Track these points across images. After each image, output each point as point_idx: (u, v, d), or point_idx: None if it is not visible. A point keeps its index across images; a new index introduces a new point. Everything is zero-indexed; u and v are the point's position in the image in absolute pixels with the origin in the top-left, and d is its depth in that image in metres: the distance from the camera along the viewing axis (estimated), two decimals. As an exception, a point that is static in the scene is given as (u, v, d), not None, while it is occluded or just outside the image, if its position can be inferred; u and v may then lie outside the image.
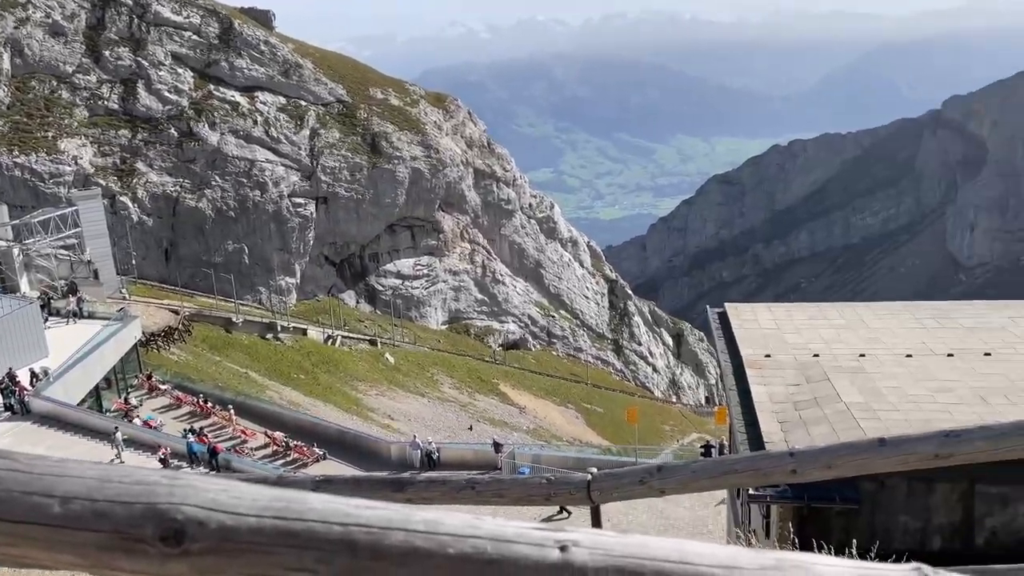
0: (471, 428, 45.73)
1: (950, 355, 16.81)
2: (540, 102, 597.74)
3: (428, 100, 79.56)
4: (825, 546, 7.49)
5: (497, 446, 32.35)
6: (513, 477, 2.97)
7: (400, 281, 71.23)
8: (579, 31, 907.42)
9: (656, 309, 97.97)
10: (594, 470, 2.78)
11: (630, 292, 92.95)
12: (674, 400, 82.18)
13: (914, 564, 1.09)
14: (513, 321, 77.13)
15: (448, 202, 74.64)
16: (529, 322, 78.31)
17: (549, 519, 23.07)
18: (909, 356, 16.85)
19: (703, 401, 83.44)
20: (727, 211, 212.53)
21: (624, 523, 22.27)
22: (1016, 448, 2.15)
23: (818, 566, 1.01)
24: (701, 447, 37.54)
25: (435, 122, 76.17)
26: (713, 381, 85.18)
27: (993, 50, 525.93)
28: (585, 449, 41.68)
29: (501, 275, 77.66)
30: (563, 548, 0.97)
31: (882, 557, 8.20)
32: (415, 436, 34.69)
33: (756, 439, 13.40)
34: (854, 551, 7.53)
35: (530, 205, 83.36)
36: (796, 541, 10.67)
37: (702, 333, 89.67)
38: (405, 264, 71.87)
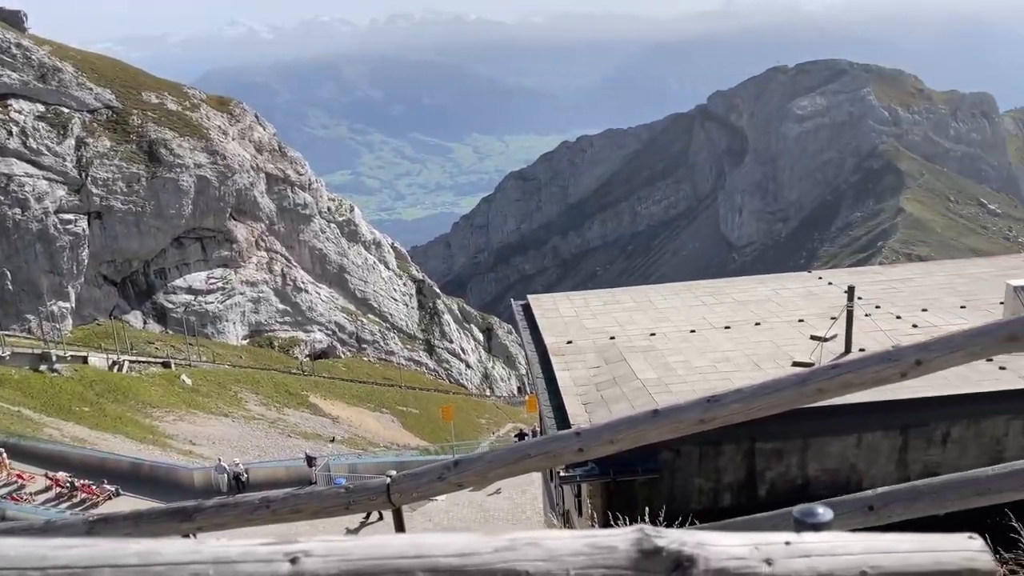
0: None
1: (727, 327, 18.42)
2: (332, 103, 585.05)
3: (210, 104, 75.22)
4: (622, 517, 7.93)
5: (310, 460, 31.33)
6: (309, 490, 2.85)
7: (192, 297, 66.91)
8: (366, 32, 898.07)
9: (465, 306, 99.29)
10: (393, 472, 2.74)
11: (438, 291, 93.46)
12: (488, 393, 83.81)
13: (637, 526, 1.13)
14: (320, 329, 74.98)
15: (240, 210, 71.07)
16: (337, 329, 76.48)
17: (362, 526, 22.69)
18: (693, 331, 18.27)
19: (516, 391, 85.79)
20: (525, 206, 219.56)
21: (446, 520, 22.41)
22: (763, 407, 2.38)
23: (548, 541, 1.05)
24: (515, 435, 38.59)
25: (219, 127, 72.18)
26: (524, 371, 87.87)
27: (746, 48, 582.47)
28: (404, 452, 41.43)
29: (303, 283, 75.19)
30: (294, 560, 0.95)
31: (682, 517, 8.83)
32: (220, 459, 32.77)
33: (563, 422, 13.95)
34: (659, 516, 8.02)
35: (329, 209, 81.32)
36: (607, 515, 11.22)
37: (510, 326, 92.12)
38: (197, 278, 67.58)
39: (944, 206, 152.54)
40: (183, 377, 51.98)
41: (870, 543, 1.13)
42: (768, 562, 1.09)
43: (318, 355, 72.23)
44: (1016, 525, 3.82)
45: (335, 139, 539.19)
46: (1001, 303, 17.05)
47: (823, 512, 1.51)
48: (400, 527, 2.88)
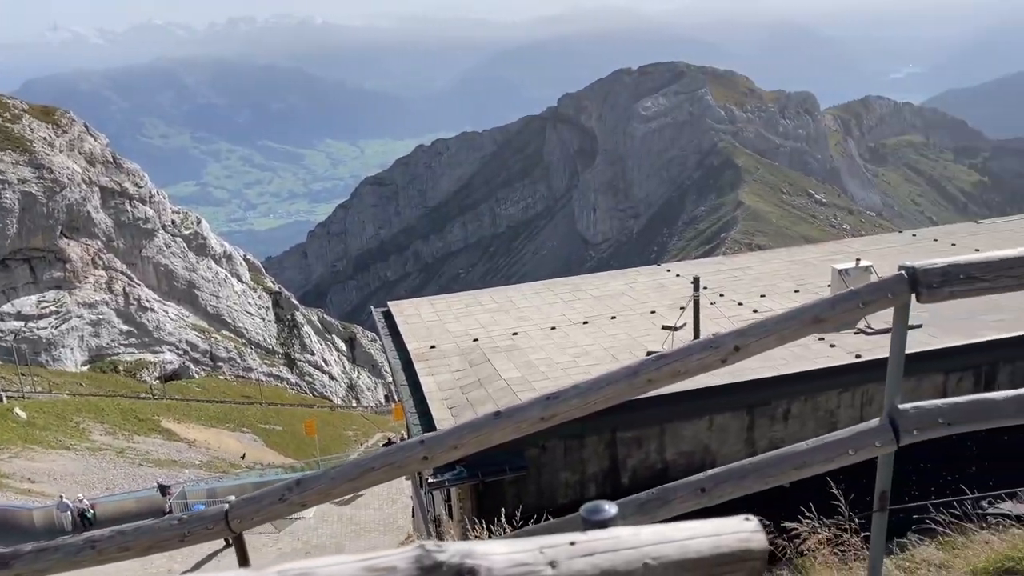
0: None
1: (585, 323, 18.94)
2: (171, 111, 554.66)
3: (33, 114, 69.44)
4: (492, 518, 7.96)
5: (163, 489, 29.57)
6: (139, 525, 2.66)
7: (22, 323, 61.56)
8: (205, 36, 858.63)
9: (326, 316, 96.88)
10: (232, 498, 2.60)
11: (296, 302, 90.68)
12: (355, 404, 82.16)
13: (416, 543, 1.13)
14: (170, 350, 70.91)
15: (72, 227, 66.06)
16: (189, 348, 72.60)
17: (211, 556, 21.61)
18: (553, 328, 18.65)
19: (383, 400, 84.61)
20: (383, 211, 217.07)
21: (314, 538, 21.75)
22: (599, 400, 2.45)
23: (321, 570, 1.02)
24: (383, 444, 38.08)
25: (45, 139, 66.78)
26: (390, 379, 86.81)
27: (592, 51, 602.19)
28: (267, 471, 39.91)
29: (148, 301, 70.86)
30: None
31: (551, 513, 8.98)
32: (62, 496, 30.34)
33: (429, 427, 13.87)
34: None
35: (173, 222, 77.04)
36: (478, 517, 11.24)
37: (374, 334, 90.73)
38: (26, 303, 62.23)
39: (778, 198, 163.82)
40: (16, 410, 47.74)
41: (651, 535, 1.14)
42: (552, 564, 1.09)
43: (169, 377, 68.31)
44: (837, 492, 4.15)
45: (177, 149, 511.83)
46: (828, 286, 18.42)
47: (608, 508, 1.54)
48: (242, 555, 2.73)
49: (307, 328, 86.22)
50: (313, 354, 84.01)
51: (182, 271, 75.31)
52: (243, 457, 42.96)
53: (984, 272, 2.24)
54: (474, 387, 15.46)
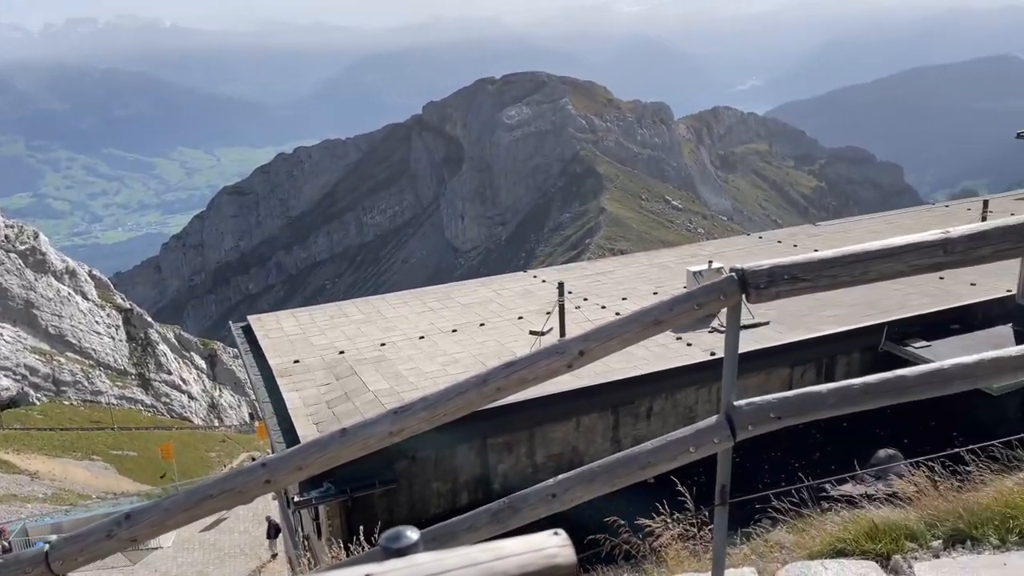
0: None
1: (454, 331, 18.94)
2: (3, 118, 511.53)
3: None
4: (363, 533, 7.80)
5: None
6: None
7: None
8: (40, 38, 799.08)
9: (183, 333, 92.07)
10: (53, 538, 2.39)
11: (150, 319, 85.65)
12: (217, 424, 78.53)
13: None
14: (6, 375, 65.14)
15: None
16: (28, 373, 66.97)
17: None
18: (422, 338, 18.53)
19: (248, 418, 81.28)
20: (243, 222, 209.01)
21: (173, 568, 20.55)
22: (448, 411, 2.43)
23: None
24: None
25: None
26: (253, 397, 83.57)
27: (455, 59, 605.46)
28: (121, 501, 37.39)
29: (-20, 324, 64.95)
30: None
31: (421, 524, 8.89)
32: None
33: (294, 445, 13.44)
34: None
35: (7, 237, 70.94)
36: (349, 534, 10.97)
37: (236, 350, 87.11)
38: None
39: (638, 204, 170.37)
40: None
41: (456, 560, 1.11)
42: None
43: (5, 405, 62.76)
44: (683, 489, 4.34)
45: (10, 157, 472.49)
46: (684, 287, 19.31)
47: (409, 535, 1.48)
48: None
49: (163, 346, 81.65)
50: (170, 373, 79.63)
51: (18, 290, 69.49)
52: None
53: (806, 272, 2.39)
54: (341, 401, 15.11)
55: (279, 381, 16.33)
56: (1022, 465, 4.59)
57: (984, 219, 23.78)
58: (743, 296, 2.45)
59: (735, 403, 2.56)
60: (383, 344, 18.17)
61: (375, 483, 13.07)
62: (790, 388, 3.07)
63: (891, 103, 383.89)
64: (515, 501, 2.52)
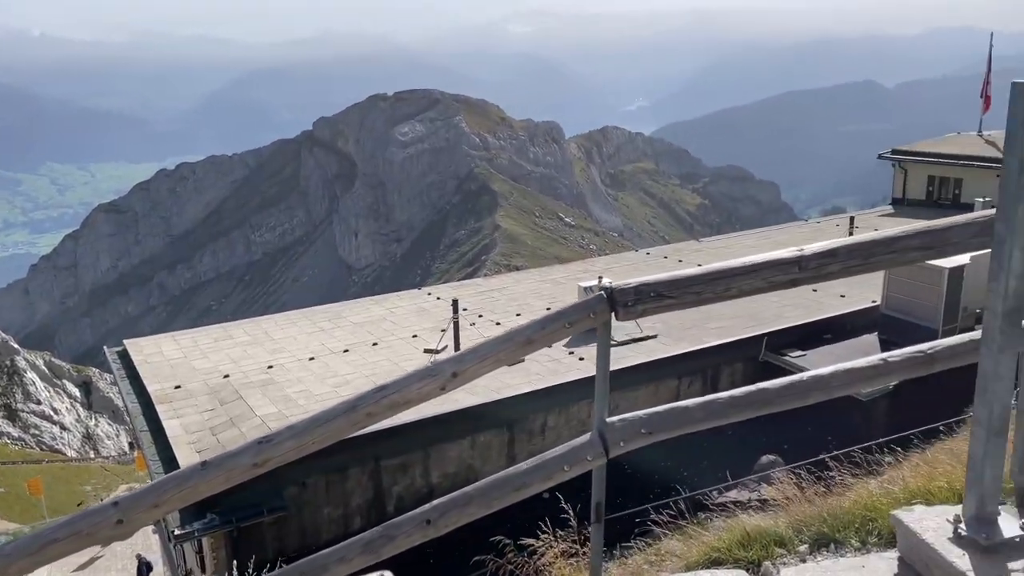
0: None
1: (346, 351, 18.58)
2: None
3: None
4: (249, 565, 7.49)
5: None
6: None
7: None
8: None
9: (54, 359, 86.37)
10: None
11: (16, 346, 79.97)
12: (93, 456, 73.94)
13: None
14: None
15: None
16: None
17: None
18: (312, 359, 18.09)
19: (128, 448, 76.90)
20: (121, 241, 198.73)
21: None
22: (316, 440, 2.36)
23: None
24: (129, 499, 34.92)
25: None
26: (132, 425, 79.19)
27: (346, 76, 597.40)
28: (-18, 543, 34.55)
29: None
30: None
31: (312, 552, 8.61)
32: None
33: (175, 476, 12.82)
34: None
35: None
36: (234, 565, 10.51)
37: (112, 376, 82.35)
38: None
39: (532, 221, 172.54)
40: None
41: None
42: None
43: None
44: (566, 506, 4.38)
45: None
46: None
47: None
48: None
49: (31, 374, 76.36)
50: (39, 403, 74.51)
51: None
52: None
53: (671, 290, 2.47)
54: (226, 427, 14.54)
55: (159, 408, 15.59)
56: (884, 468, 4.88)
57: (851, 234, 25.34)
58: (612, 314, 2.50)
59: (608, 419, 2.60)
60: (271, 366, 17.64)
61: (263, 511, 12.63)
62: (678, 399, 3.15)
63: (768, 124, 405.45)
64: (389, 529, 2.46)
